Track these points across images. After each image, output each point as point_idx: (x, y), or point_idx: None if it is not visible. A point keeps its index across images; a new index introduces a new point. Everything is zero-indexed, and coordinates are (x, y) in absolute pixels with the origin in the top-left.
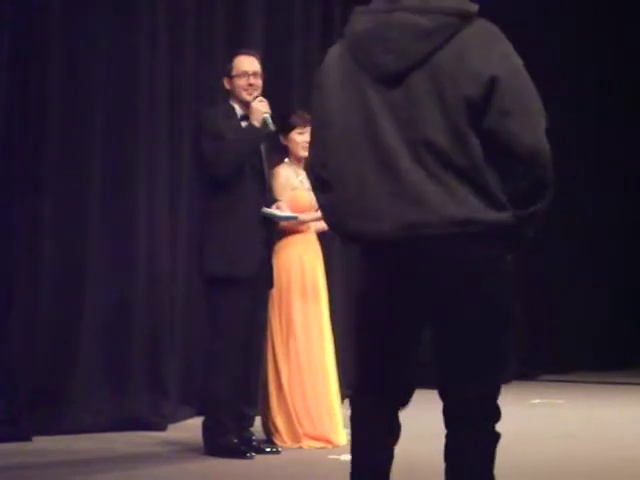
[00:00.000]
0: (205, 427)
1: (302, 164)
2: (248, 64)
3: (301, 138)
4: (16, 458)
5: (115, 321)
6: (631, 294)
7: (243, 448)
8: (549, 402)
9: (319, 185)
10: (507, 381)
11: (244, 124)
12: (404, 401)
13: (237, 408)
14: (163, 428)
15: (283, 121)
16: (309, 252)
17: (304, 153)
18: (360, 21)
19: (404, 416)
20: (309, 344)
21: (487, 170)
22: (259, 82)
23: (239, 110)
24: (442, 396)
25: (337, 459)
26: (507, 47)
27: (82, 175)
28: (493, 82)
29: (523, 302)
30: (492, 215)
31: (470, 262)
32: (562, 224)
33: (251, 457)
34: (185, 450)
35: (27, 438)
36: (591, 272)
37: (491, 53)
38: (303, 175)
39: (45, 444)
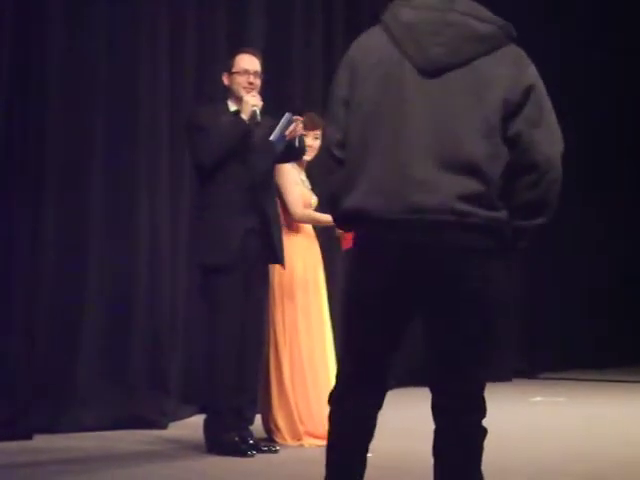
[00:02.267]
0: (206, 425)
1: (303, 167)
2: (250, 63)
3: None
4: (17, 457)
5: (116, 319)
6: (632, 292)
7: (244, 446)
8: (549, 400)
9: (331, 165)
10: (507, 379)
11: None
12: (381, 402)
13: (238, 406)
14: (164, 426)
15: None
16: (311, 250)
17: (306, 156)
18: (408, 13)
19: (403, 415)
20: (311, 342)
21: (502, 174)
22: (258, 82)
23: (232, 106)
24: (431, 390)
25: None
26: (535, 69)
27: (83, 175)
28: (529, 91)
29: (524, 300)
30: (486, 213)
31: (467, 251)
32: (562, 222)
33: (252, 455)
34: (186, 448)
35: (28, 436)
36: (591, 270)
37: (527, 68)
38: (303, 176)
39: (46, 443)
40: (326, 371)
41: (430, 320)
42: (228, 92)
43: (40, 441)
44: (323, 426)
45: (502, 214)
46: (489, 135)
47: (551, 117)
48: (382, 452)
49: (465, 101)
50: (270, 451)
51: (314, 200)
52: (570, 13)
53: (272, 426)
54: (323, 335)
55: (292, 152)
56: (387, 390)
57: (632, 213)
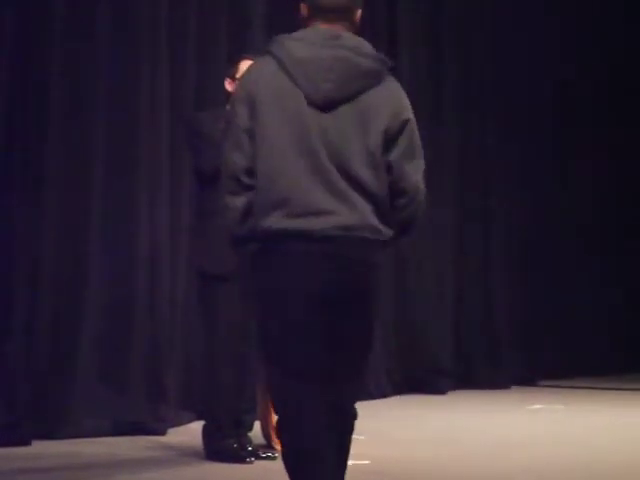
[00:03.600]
0: (205, 431)
1: None
2: None
3: None
4: (16, 462)
5: (115, 325)
6: (632, 301)
7: (243, 453)
8: (549, 408)
9: (237, 190)
10: (506, 387)
11: None
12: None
13: (237, 412)
14: (163, 432)
15: None
16: None
17: None
18: (301, 49)
19: (401, 422)
20: None
21: (385, 196)
22: None
23: None
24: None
25: None
26: (408, 102)
27: (83, 176)
28: (405, 124)
29: (523, 308)
30: (384, 229)
31: (372, 267)
32: (563, 230)
33: (251, 462)
34: (185, 455)
35: (27, 442)
36: (593, 279)
37: (403, 101)
38: None
39: (45, 448)
40: None
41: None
42: (230, 97)
43: (39, 447)
44: None
45: (390, 230)
46: (372, 163)
47: (419, 147)
48: (380, 459)
49: (353, 132)
50: (269, 458)
51: None
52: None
53: (271, 432)
54: None
55: None
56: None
57: (632, 217)
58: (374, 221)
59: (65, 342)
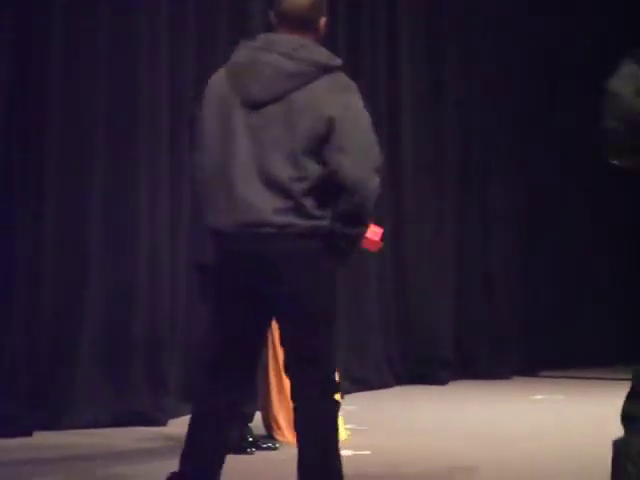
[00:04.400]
0: None
1: None
2: None
3: None
4: (17, 453)
5: (116, 316)
6: (633, 290)
7: (244, 444)
8: (550, 398)
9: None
10: (507, 377)
11: None
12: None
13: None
14: (164, 423)
15: None
16: None
17: None
18: (242, 54)
19: (402, 412)
20: None
21: (309, 191)
22: None
23: None
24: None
25: None
26: (351, 96)
27: (83, 176)
28: (331, 122)
29: (524, 298)
30: (302, 222)
31: (291, 254)
32: (562, 219)
33: (252, 452)
34: None
35: (28, 433)
36: (593, 268)
37: (335, 99)
38: None
39: (46, 439)
40: None
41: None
42: None
43: (40, 438)
44: None
45: (322, 222)
46: (295, 160)
47: (359, 140)
48: (381, 449)
49: (277, 131)
50: (270, 448)
51: None
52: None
53: (272, 424)
54: None
55: None
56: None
57: (629, 213)
58: (282, 218)
59: (66, 334)
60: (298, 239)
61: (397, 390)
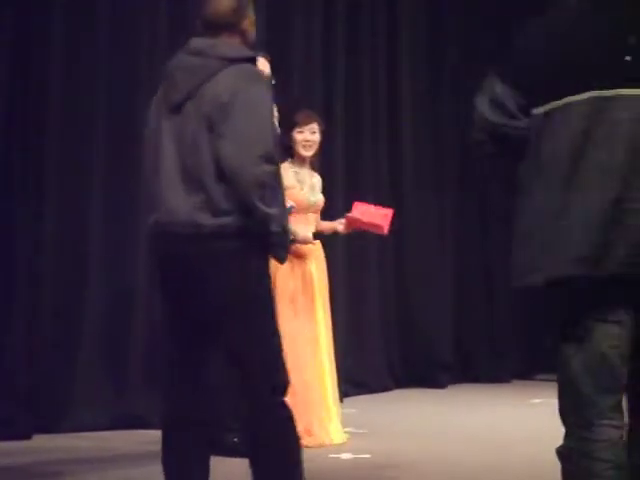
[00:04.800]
0: None
1: (306, 163)
2: (266, 67)
3: (301, 137)
4: (16, 456)
5: (115, 319)
6: None
7: (243, 447)
8: (548, 402)
9: None
10: (507, 380)
11: None
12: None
13: (237, 406)
14: (159, 427)
15: (286, 120)
16: (305, 258)
17: (305, 152)
18: (172, 61)
19: (398, 415)
20: (303, 344)
21: (214, 182)
22: None
23: None
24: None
25: (337, 458)
26: (249, 84)
27: (83, 176)
28: (221, 108)
29: (521, 302)
30: (212, 221)
31: (207, 257)
32: None
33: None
34: None
35: (27, 436)
36: None
37: (231, 86)
38: (304, 174)
39: (45, 442)
40: (321, 372)
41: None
42: None
43: (39, 441)
44: (320, 427)
45: (221, 219)
46: (200, 158)
47: (244, 128)
48: (381, 453)
49: (193, 127)
50: None
51: (312, 200)
52: None
53: None
54: (317, 334)
55: None
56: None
57: None
58: (191, 216)
59: (65, 337)
60: (211, 238)
61: (396, 393)
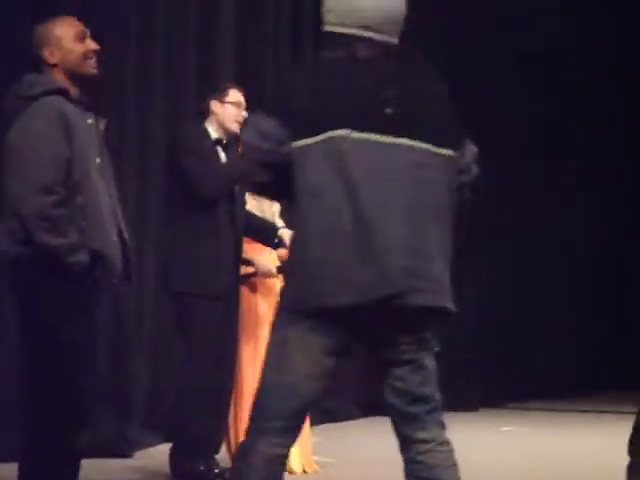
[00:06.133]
0: (172, 454)
1: None
2: (241, 98)
3: None
4: None
5: None
6: (600, 325)
7: (210, 475)
8: (516, 430)
9: None
10: (474, 408)
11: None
12: None
13: (208, 433)
14: (129, 455)
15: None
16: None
17: None
18: None
19: (365, 443)
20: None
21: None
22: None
23: (213, 133)
24: None
25: None
26: (25, 120)
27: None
28: (6, 144)
29: (492, 331)
30: (13, 249)
31: (11, 283)
32: (538, 249)
33: None
34: (152, 477)
35: None
36: (562, 306)
37: (18, 124)
38: (265, 203)
39: (6, 471)
40: None
41: None
42: (210, 116)
43: (1, 469)
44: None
45: (25, 248)
46: None
47: (22, 162)
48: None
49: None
50: None
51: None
52: None
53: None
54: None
55: None
56: None
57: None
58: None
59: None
60: (12, 266)
61: (363, 422)
